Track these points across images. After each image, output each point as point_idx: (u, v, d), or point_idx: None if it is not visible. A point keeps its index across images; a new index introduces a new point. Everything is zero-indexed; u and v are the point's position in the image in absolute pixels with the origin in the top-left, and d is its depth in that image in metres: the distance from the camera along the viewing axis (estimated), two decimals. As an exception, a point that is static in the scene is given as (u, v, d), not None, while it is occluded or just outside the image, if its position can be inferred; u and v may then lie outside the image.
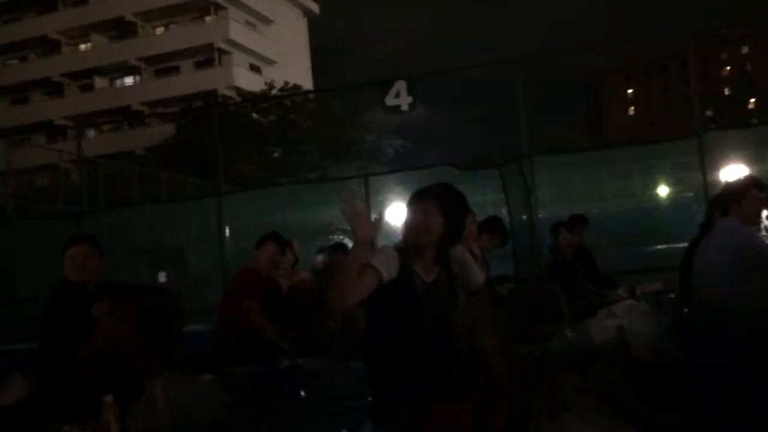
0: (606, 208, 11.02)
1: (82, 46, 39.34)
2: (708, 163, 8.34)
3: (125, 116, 36.34)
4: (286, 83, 30.12)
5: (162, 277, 9.28)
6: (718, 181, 8.80)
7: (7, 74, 38.67)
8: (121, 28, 38.25)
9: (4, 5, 38.17)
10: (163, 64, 37.81)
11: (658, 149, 10.24)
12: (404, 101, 8.64)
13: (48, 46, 38.97)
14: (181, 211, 10.58)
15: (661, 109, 69.95)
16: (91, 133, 32.56)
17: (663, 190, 10.95)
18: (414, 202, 2.62)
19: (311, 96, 28.80)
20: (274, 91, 29.08)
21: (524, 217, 8.57)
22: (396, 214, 8.02)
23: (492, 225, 5.32)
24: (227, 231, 9.35)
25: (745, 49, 67.28)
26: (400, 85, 8.64)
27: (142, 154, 30.16)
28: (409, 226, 2.58)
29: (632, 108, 76.61)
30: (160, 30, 38.93)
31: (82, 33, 38.59)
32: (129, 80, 39.16)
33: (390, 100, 8.67)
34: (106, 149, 26.13)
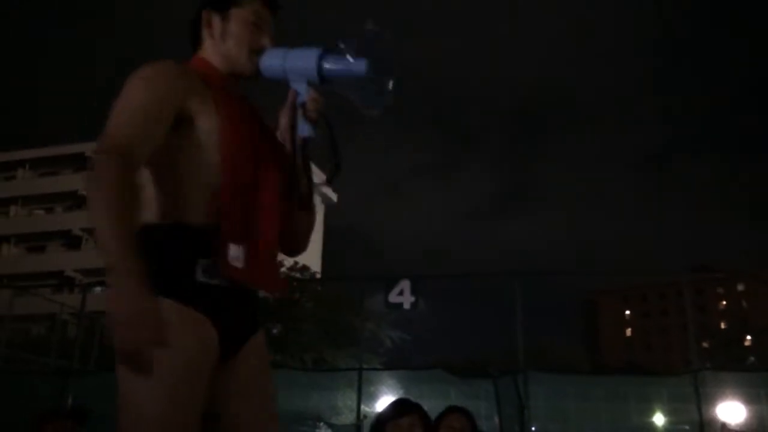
0: (600, 429, 10.74)
1: (109, 205, 40.83)
2: (703, 398, 8.32)
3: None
4: (296, 263, 30.82)
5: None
6: (715, 418, 8.74)
7: (30, 223, 39.89)
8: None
9: (43, 160, 40.45)
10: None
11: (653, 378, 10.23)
12: (407, 300, 8.85)
13: (75, 201, 40.54)
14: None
15: (657, 333, 70.07)
16: (98, 289, 32.76)
17: (659, 419, 10.75)
18: (400, 413, 2.80)
19: (317, 278, 29.35)
20: (283, 269, 29.65)
21: (516, 430, 8.38)
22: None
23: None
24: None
25: (740, 287, 68.76)
26: (405, 285, 8.89)
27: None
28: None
29: (629, 329, 76.82)
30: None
31: (113, 193, 40.19)
32: (147, 243, 40.09)
33: (393, 298, 8.88)
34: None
